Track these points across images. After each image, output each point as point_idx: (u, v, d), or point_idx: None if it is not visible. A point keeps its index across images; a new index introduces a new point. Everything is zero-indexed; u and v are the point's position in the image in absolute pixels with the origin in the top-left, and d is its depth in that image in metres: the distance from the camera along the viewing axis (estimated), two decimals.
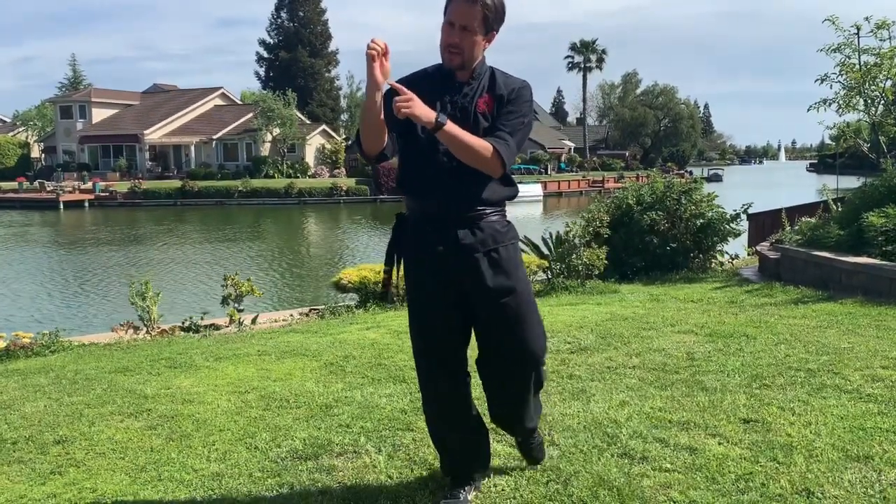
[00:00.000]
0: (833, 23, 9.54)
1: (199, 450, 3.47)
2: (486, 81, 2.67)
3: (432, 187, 2.66)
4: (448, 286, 2.69)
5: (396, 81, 2.56)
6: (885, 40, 9.37)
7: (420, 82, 2.63)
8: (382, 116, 2.50)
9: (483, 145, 2.53)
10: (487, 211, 2.68)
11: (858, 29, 9.50)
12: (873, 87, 9.58)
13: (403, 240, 2.78)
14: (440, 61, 2.67)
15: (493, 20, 2.59)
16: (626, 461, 3.12)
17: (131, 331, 7.26)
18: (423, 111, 2.42)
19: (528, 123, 2.69)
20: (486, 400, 2.94)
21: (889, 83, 9.52)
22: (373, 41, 2.42)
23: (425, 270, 2.71)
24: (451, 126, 2.47)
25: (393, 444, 3.42)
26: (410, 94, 2.40)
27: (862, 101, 9.88)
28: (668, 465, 3.06)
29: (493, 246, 2.68)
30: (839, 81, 9.77)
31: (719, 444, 3.28)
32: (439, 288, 2.70)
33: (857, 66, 9.56)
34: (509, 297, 2.68)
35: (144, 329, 7.34)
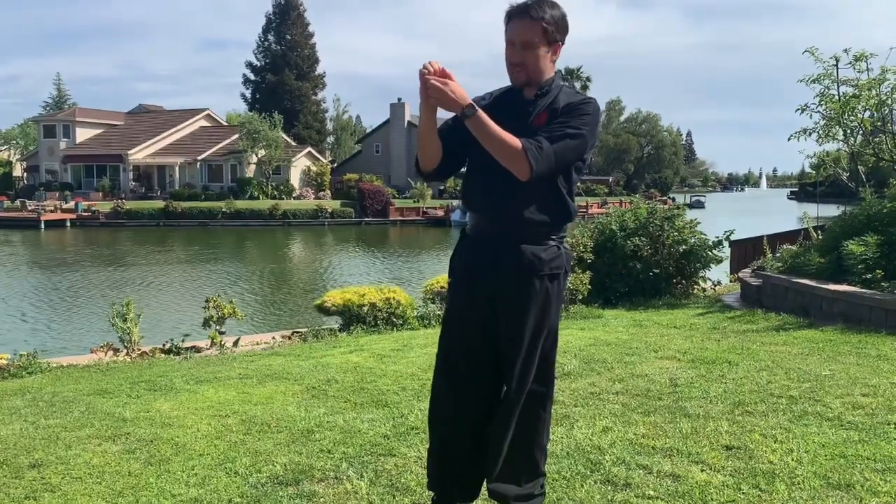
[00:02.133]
0: (813, 54, 9.71)
1: (178, 474, 3.42)
2: (550, 99, 2.62)
3: (486, 205, 2.66)
4: (479, 303, 2.68)
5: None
6: (863, 72, 9.54)
7: (489, 104, 2.64)
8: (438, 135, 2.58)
9: (512, 140, 2.45)
10: (539, 234, 2.62)
11: (837, 61, 9.67)
12: (852, 117, 9.73)
13: (458, 254, 2.78)
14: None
15: (554, 32, 2.57)
16: (610, 488, 3.11)
17: (111, 352, 7.17)
18: (456, 95, 2.41)
19: (574, 134, 2.53)
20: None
21: (867, 114, 9.67)
22: (429, 62, 2.45)
23: (463, 286, 2.72)
24: (481, 115, 2.45)
25: (375, 470, 3.39)
26: (450, 75, 2.43)
27: (841, 131, 10.03)
28: (652, 492, 3.05)
29: (529, 273, 2.61)
30: (819, 111, 9.93)
31: (702, 471, 3.27)
32: (471, 304, 2.69)
33: (837, 97, 9.72)
34: (528, 329, 2.62)
35: (124, 351, 7.25)
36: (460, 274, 2.75)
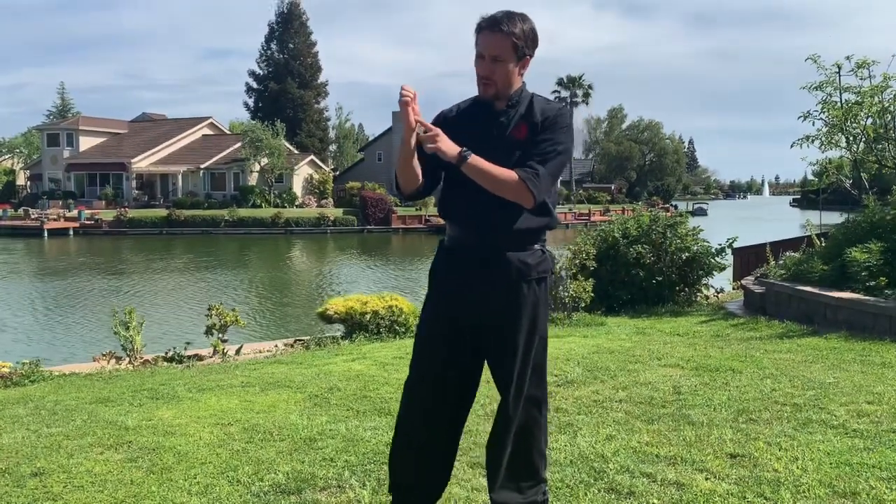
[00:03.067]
0: (815, 61, 9.72)
1: (180, 483, 3.41)
2: (524, 109, 2.64)
3: (466, 215, 2.65)
4: (465, 316, 2.65)
5: (437, 115, 2.65)
6: (865, 79, 9.55)
7: (457, 116, 2.64)
8: (416, 156, 2.55)
9: (511, 176, 2.49)
10: (522, 241, 2.64)
11: (840, 68, 9.68)
12: (854, 124, 9.73)
13: (438, 265, 2.75)
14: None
15: (524, 47, 2.58)
16: (613, 496, 3.10)
17: (113, 361, 7.17)
18: (448, 146, 2.45)
19: (563, 150, 2.62)
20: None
21: (870, 121, 9.68)
22: (404, 88, 2.45)
23: (447, 298, 2.69)
24: (475, 159, 2.47)
25: (377, 479, 3.37)
26: (437, 130, 2.44)
27: (844, 139, 10.03)
28: (656, 501, 3.03)
29: (517, 279, 2.62)
30: (821, 119, 9.93)
31: (706, 479, 3.26)
32: (452, 314, 2.66)
33: (839, 104, 9.72)
34: (517, 333, 2.62)
35: (127, 359, 7.25)
36: (445, 287, 2.70)
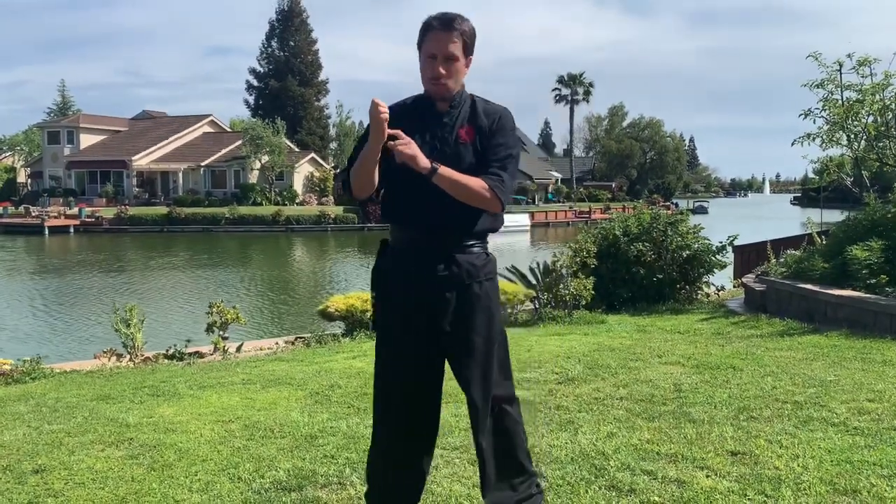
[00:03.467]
0: (816, 59, 9.70)
1: (181, 480, 3.41)
2: (467, 110, 2.65)
3: (413, 217, 2.64)
4: (418, 318, 2.62)
5: None
6: (866, 77, 9.53)
7: (399, 115, 2.59)
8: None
9: (480, 185, 2.51)
10: (468, 243, 2.65)
11: (841, 65, 9.65)
12: (856, 122, 9.71)
13: (383, 267, 2.73)
14: (421, 93, 2.67)
15: (470, 45, 2.61)
16: (614, 494, 3.10)
17: (114, 358, 7.18)
18: (421, 157, 2.46)
19: (517, 155, 2.68)
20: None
21: (871, 119, 9.66)
22: (381, 106, 2.44)
23: (397, 300, 2.66)
24: (444, 170, 2.49)
25: None
26: (408, 139, 2.45)
27: (845, 136, 10.01)
28: (657, 498, 3.03)
29: (469, 281, 2.63)
30: (822, 116, 9.90)
31: (707, 476, 3.26)
32: (408, 319, 2.64)
33: (840, 102, 9.70)
34: (476, 334, 2.63)
35: (128, 356, 7.26)
36: (396, 291, 2.66)
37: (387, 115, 2.44)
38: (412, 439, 2.72)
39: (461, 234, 2.64)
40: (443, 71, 2.56)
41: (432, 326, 2.63)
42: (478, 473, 3.26)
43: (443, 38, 2.55)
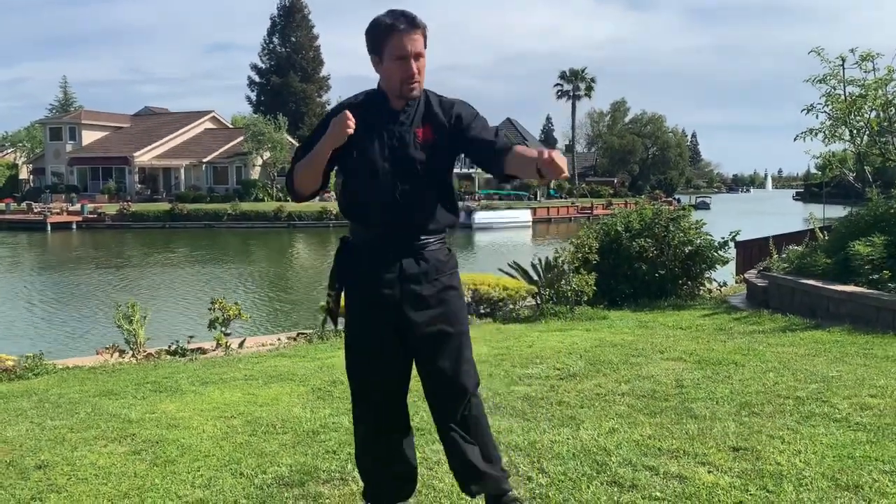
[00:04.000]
0: (819, 54, 9.67)
1: (183, 476, 3.42)
2: (422, 108, 2.63)
3: (376, 215, 2.61)
4: (388, 315, 2.62)
5: (337, 106, 2.65)
6: (869, 72, 9.49)
7: (355, 112, 2.55)
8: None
9: (532, 153, 2.43)
10: (431, 239, 2.65)
11: (843, 60, 9.62)
12: (858, 117, 9.68)
13: (346, 265, 2.69)
14: (373, 88, 2.66)
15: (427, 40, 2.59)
16: (616, 489, 3.10)
17: (117, 354, 7.18)
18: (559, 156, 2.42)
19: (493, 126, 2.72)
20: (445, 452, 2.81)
21: (874, 114, 9.63)
22: (349, 121, 2.46)
23: (366, 298, 2.65)
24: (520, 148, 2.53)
25: None
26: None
27: (847, 132, 9.98)
28: (658, 494, 3.04)
29: (436, 276, 2.64)
30: (825, 112, 9.88)
31: (709, 472, 3.26)
32: (379, 316, 2.63)
33: (843, 97, 9.68)
34: (448, 327, 2.64)
35: (130, 352, 7.26)
36: (365, 288, 2.65)
37: (352, 130, 2.47)
38: (393, 432, 2.75)
39: (426, 230, 2.64)
40: (415, 70, 2.53)
41: (402, 322, 2.63)
42: None
43: (414, 36, 2.51)
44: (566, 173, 2.28)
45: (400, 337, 2.65)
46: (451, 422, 2.69)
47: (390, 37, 2.51)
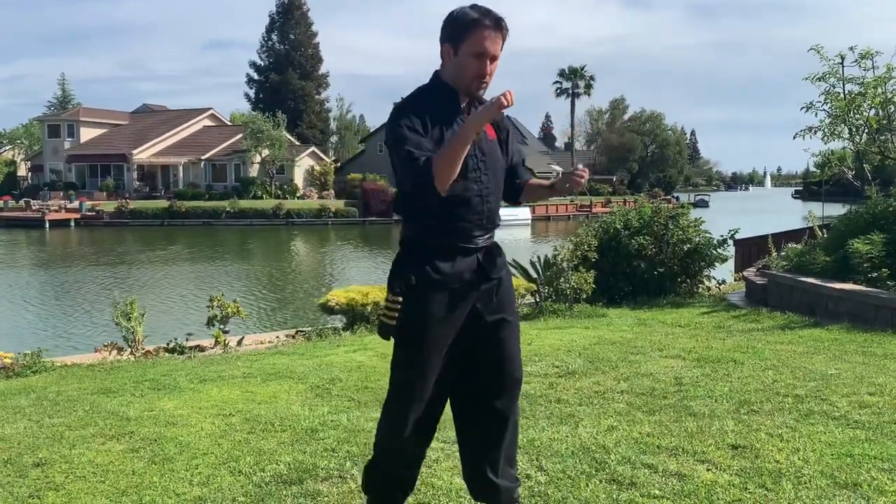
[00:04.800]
0: (818, 52, 9.66)
1: (181, 473, 3.42)
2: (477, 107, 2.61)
3: (465, 211, 2.50)
4: (461, 316, 2.53)
5: (405, 102, 2.52)
6: (868, 70, 9.49)
7: (427, 105, 2.47)
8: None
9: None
10: (495, 234, 2.66)
11: (843, 58, 9.62)
12: (857, 115, 9.68)
13: (417, 268, 2.52)
14: (428, 81, 2.57)
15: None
16: (615, 487, 3.10)
17: (115, 352, 7.18)
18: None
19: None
20: (467, 461, 2.70)
21: (873, 112, 9.63)
22: (510, 95, 2.27)
23: (447, 301, 2.51)
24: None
25: None
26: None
27: (846, 130, 9.97)
28: (657, 492, 3.03)
29: (505, 269, 2.67)
30: (824, 110, 9.88)
31: (708, 470, 3.26)
32: (457, 314, 2.53)
33: (842, 95, 9.68)
34: (513, 319, 2.66)
35: (128, 350, 7.26)
36: (450, 293, 2.50)
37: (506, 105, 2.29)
38: (431, 433, 2.73)
39: (496, 224, 2.62)
40: (488, 70, 2.47)
41: (473, 315, 2.56)
42: None
43: (495, 37, 2.45)
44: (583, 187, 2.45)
45: (464, 341, 2.57)
46: (510, 413, 2.63)
47: (474, 31, 2.43)
